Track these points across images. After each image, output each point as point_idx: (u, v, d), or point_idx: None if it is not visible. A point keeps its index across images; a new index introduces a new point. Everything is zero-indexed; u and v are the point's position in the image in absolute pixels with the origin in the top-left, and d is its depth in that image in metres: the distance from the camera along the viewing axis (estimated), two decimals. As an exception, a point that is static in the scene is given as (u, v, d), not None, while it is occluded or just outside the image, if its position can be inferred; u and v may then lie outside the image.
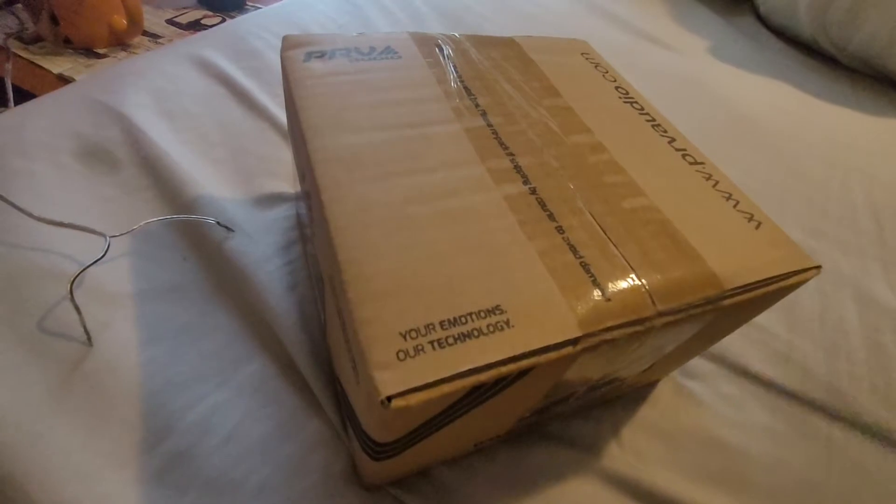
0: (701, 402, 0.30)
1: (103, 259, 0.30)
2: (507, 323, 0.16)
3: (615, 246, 0.19)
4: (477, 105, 0.25)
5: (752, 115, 0.54)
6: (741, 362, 0.32)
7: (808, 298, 0.37)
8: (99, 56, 0.93)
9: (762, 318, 0.35)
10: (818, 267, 0.21)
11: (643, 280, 0.18)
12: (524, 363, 0.16)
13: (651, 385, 0.30)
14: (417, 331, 0.16)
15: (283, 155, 0.41)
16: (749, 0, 0.78)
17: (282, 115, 0.44)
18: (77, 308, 0.27)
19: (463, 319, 0.16)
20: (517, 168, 0.22)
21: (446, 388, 0.15)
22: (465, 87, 0.26)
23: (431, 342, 0.15)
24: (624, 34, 0.66)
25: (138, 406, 0.26)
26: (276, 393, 0.28)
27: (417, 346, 0.15)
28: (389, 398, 0.14)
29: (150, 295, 0.31)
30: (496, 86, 0.27)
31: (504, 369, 0.15)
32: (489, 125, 0.24)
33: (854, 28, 0.61)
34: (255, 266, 0.32)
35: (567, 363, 0.17)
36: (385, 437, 0.17)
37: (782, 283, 0.20)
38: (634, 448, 0.28)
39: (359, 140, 0.22)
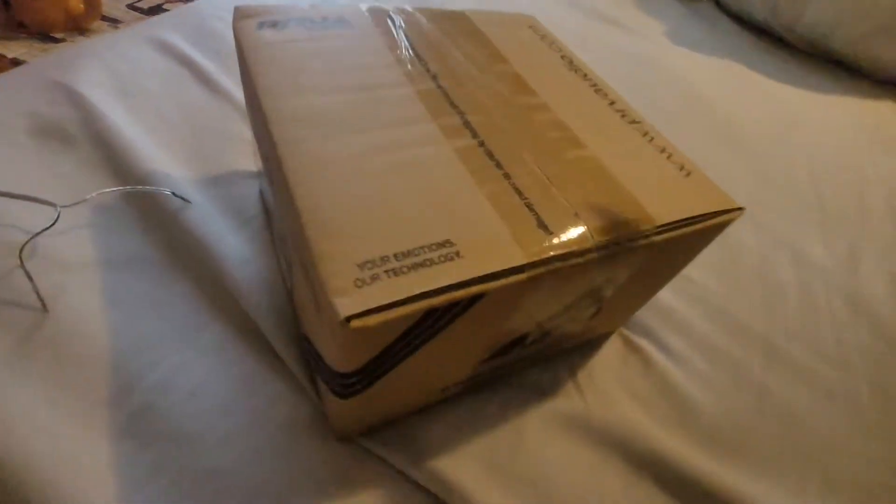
0: (649, 353, 0.32)
1: (57, 229, 0.30)
2: (458, 254, 0.18)
3: (557, 189, 0.21)
4: (428, 70, 0.26)
5: (705, 95, 0.56)
6: (685, 318, 0.34)
7: (748, 259, 0.39)
8: (56, 41, 0.90)
9: (704, 277, 0.37)
10: (741, 208, 0.24)
11: (583, 218, 0.20)
12: (474, 289, 0.17)
13: (603, 337, 0.33)
14: (373, 262, 0.17)
15: (246, 134, 0.41)
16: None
17: (241, 94, 0.44)
18: (28, 275, 0.28)
19: (416, 252, 0.17)
20: (466, 124, 0.23)
21: (401, 311, 0.16)
22: (417, 55, 0.27)
23: (387, 271, 0.17)
24: (584, 17, 0.68)
25: (100, 368, 0.26)
26: (239, 354, 0.28)
27: (374, 275, 0.16)
28: (349, 319, 0.15)
29: (108, 264, 0.31)
30: (447, 54, 0.28)
31: (456, 294, 0.17)
32: (440, 87, 0.25)
33: (801, 10, 0.65)
34: (214, 237, 0.32)
35: (515, 292, 0.19)
36: (348, 366, 0.18)
37: (709, 222, 0.23)
38: (590, 392, 0.29)
39: (314, 101, 0.23)
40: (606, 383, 0.30)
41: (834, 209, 0.45)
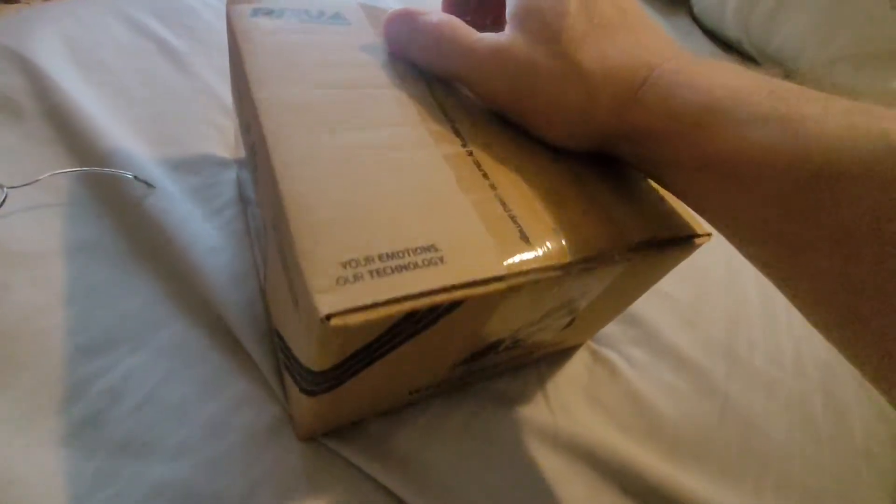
0: (615, 364, 0.33)
1: (2, 213, 0.27)
2: (441, 259, 0.18)
3: (540, 203, 0.22)
4: (422, 74, 0.26)
5: None
6: (653, 329, 0.35)
7: (715, 271, 0.41)
8: (10, 1, 0.82)
9: (674, 288, 0.38)
10: (709, 234, 0.25)
11: (563, 234, 0.21)
12: (456, 294, 0.17)
13: (573, 349, 0.33)
14: (357, 261, 0.16)
15: (217, 119, 0.39)
16: (687, 0, 0.79)
17: (216, 78, 0.42)
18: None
19: (400, 254, 0.17)
20: (456, 132, 0.24)
21: (383, 312, 0.16)
22: None
23: (370, 271, 0.16)
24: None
25: (43, 373, 0.24)
26: (201, 354, 0.27)
27: (357, 274, 0.16)
28: (329, 317, 0.15)
29: (59, 254, 0.28)
30: None
31: (437, 298, 0.17)
32: (432, 94, 0.25)
33: (773, 30, 0.64)
34: (179, 225, 0.30)
35: (494, 300, 0.19)
36: (322, 364, 0.18)
37: (679, 246, 0.24)
38: (558, 402, 0.30)
39: (306, 93, 0.22)
40: (573, 394, 0.31)
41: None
